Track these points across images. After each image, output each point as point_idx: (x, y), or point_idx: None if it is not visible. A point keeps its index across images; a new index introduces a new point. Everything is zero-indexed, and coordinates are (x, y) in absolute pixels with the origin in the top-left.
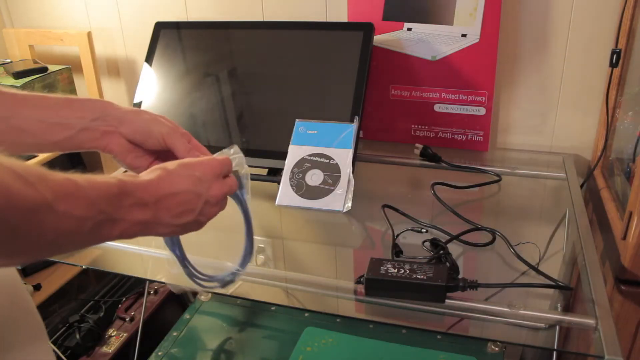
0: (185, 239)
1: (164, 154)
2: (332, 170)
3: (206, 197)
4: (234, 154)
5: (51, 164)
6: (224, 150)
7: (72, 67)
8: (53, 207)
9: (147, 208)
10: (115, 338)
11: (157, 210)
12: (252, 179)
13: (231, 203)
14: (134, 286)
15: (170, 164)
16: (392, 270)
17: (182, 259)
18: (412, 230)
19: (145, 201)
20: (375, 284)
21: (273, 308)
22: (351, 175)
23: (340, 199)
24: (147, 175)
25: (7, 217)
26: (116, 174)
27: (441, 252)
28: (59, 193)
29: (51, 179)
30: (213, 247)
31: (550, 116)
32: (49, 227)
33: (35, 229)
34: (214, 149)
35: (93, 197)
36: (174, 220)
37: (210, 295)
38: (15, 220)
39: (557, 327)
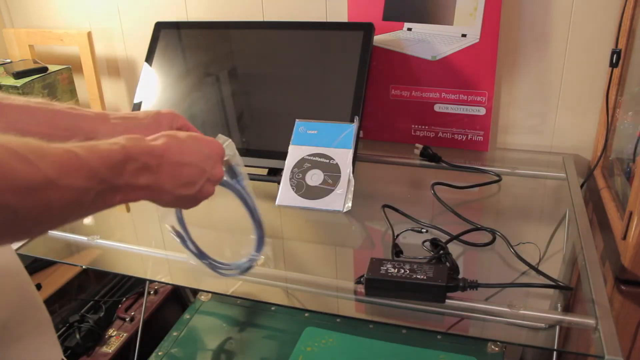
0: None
1: None
2: (332, 170)
3: (209, 175)
4: (225, 143)
5: None
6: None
7: (72, 67)
8: (56, 182)
9: (150, 172)
10: (116, 338)
11: (160, 175)
12: (252, 179)
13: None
14: (134, 286)
15: (180, 133)
16: (392, 270)
17: (199, 253)
18: (412, 230)
19: (149, 165)
20: (375, 284)
21: (273, 308)
22: (351, 175)
23: (340, 199)
24: (154, 140)
25: (9, 199)
26: (120, 138)
27: (441, 252)
28: (61, 167)
29: (51, 154)
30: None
31: (550, 116)
32: (54, 203)
33: (40, 208)
34: None
35: (95, 167)
36: (176, 190)
37: (210, 295)
38: (18, 201)
39: (557, 327)
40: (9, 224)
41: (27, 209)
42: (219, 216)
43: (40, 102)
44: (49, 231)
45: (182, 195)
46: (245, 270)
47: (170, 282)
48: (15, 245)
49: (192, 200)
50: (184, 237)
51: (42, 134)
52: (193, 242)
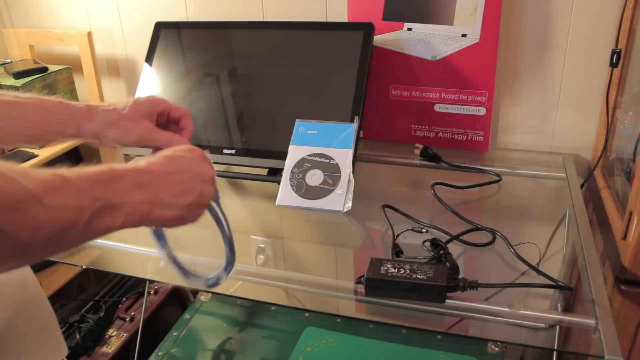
0: (186, 239)
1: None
2: (332, 170)
3: (201, 176)
4: None
5: (51, 164)
6: None
7: (72, 67)
8: (42, 200)
9: (145, 188)
10: (116, 338)
11: (157, 189)
12: (252, 179)
13: (233, 209)
14: (134, 286)
15: (154, 156)
16: (392, 270)
17: (170, 256)
18: (412, 230)
19: (141, 182)
20: (375, 284)
21: (273, 308)
22: (351, 175)
23: (340, 199)
24: (136, 163)
25: None
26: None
27: (441, 252)
28: (46, 187)
29: (35, 175)
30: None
31: (550, 116)
32: (42, 222)
33: (29, 227)
34: (214, 149)
35: (83, 187)
36: (178, 200)
37: (210, 295)
38: (2, 219)
39: (557, 327)
40: None
41: (14, 227)
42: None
43: (29, 97)
44: (49, 257)
45: (185, 204)
46: (211, 285)
47: (170, 282)
48: None
49: (201, 208)
50: (163, 237)
51: (33, 129)
52: (166, 242)
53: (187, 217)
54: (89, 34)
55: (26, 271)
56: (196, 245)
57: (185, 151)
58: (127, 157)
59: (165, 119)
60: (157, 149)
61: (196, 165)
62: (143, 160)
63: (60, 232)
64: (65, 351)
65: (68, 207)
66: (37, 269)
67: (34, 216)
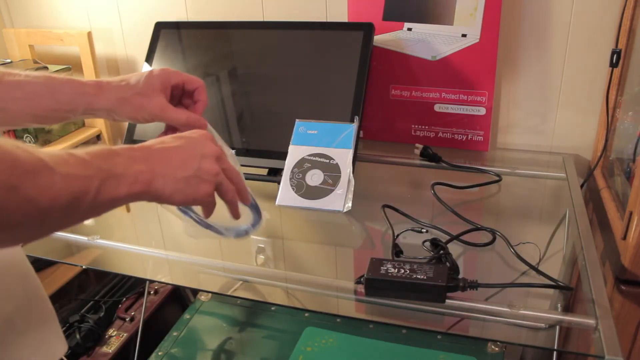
0: (186, 239)
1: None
2: (332, 170)
3: (201, 152)
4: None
5: None
6: None
7: (72, 67)
8: (54, 169)
9: (142, 161)
10: (116, 338)
11: (153, 162)
12: (252, 179)
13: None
14: (134, 286)
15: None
16: (392, 270)
17: (198, 220)
18: (412, 230)
19: (136, 156)
20: (375, 284)
21: (273, 308)
22: (351, 175)
23: (340, 199)
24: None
25: (17, 182)
26: None
27: (441, 252)
28: (57, 159)
29: (44, 150)
30: (214, 247)
31: (550, 116)
32: (59, 189)
33: (47, 192)
34: None
35: (87, 159)
36: (175, 173)
37: (210, 295)
38: (25, 184)
39: (557, 327)
40: (21, 209)
41: (36, 191)
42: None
43: (38, 75)
44: (65, 229)
45: (182, 177)
46: (241, 234)
47: (170, 282)
48: None
49: (200, 182)
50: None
51: (43, 109)
52: (192, 209)
53: (187, 192)
54: (89, 34)
55: (27, 268)
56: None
57: (188, 133)
58: None
59: (180, 92)
60: (170, 128)
61: (195, 142)
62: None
63: (75, 199)
64: (65, 348)
65: (78, 175)
66: (37, 269)
67: (52, 182)
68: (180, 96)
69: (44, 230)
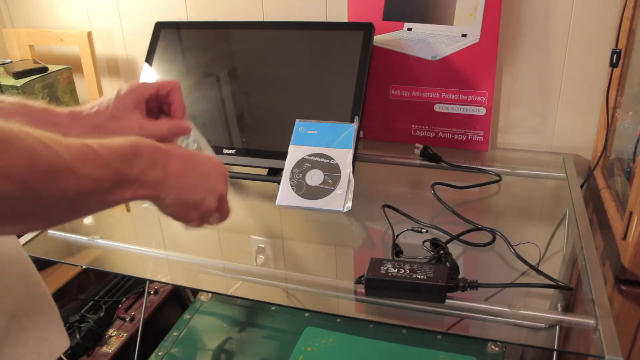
0: (186, 239)
1: None
2: (332, 170)
3: (212, 187)
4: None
5: None
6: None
7: (72, 67)
8: (73, 169)
9: (158, 168)
10: (116, 338)
11: (168, 171)
12: (252, 179)
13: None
14: (134, 286)
15: (180, 145)
16: (392, 270)
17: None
18: (412, 230)
19: (157, 161)
20: (375, 284)
21: (273, 308)
22: (351, 175)
23: (340, 199)
24: (168, 145)
25: (32, 179)
26: (131, 137)
27: (441, 252)
28: (77, 156)
29: (68, 144)
30: (214, 247)
31: (550, 116)
32: (71, 188)
33: (58, 190)
34: (214, 149)
35: (108, 159)
36: (182, 191)
37: (210, 295)
38: (39, 182)
39: (557, 327)
40: (32, 204)
41: (48, 190)
42: None
43: (13, 102)
44: (67, 221)
45: (186, 199)
46: None
47: (170, 282)
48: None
49: (194, 210)
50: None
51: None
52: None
53: (179, 212)
54: (89, 34)
55: (28, 264)
56: (194, 245)
57: (211, 161)
58: None
59: (156, 102)
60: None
61: (213, 175)
62: (170, 145)
63: (82, 198)
64: (67, 344)
65: (93, 176)
66: (37, 268)
67: (65, 182)
68: (159, 106)
69: (44, 223)
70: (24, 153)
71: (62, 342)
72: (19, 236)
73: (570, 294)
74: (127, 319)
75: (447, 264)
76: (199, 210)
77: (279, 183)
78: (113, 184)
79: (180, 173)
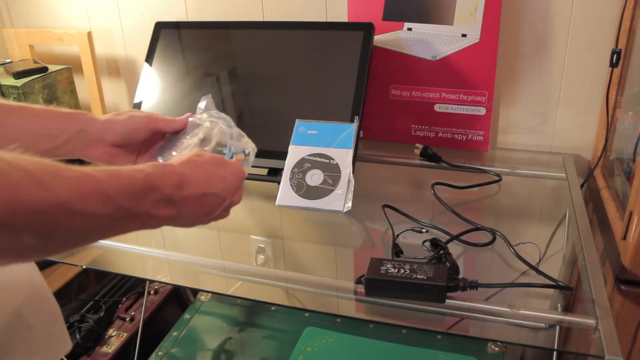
0: (186, 239)
1: (146, 147)
2: (332, 170)
3: (229, 203)
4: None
5: None
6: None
7: (72, 67)
8: (67, 206)
9: (172, 204)
10: (116, 338)
11: (182, 207)
12: (252, 179)
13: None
14: (134, 286)
15: (204, 156)
16: (392, 270)
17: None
18: (412, 230)
19: (173, 198)
20: (375, 284)
21: (273, 308)
22: (351, 175)
23: (340, 199)
24: (178, 166)
25: (11, 220)
26: (146, 165)
27: (441, 252)
28: (76, 191)
29: (67, 176)
30: (214, 247)
31: (550, 116)
32: (61, 226)
33: (45, 230)
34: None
35: (112, 194)
36: (196, 220)
37: (210, 295)
38: (21, 222)
39: (557, 327)
40: (12, 243)
41: (32, 231)
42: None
43: (21, 105)
44: (60, 253)
45: (199, 222)
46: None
47: (170, 282)
48: None
49: (207, 221)
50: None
51: (21, 140)
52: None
53: (191, 225)
54: (89, 34)
55: (32, 268)
56: (194, 246)
57: (230, 170)
58: None
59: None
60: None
61: (231, 191)
62: (190, 161)
63: (75, 235)
64: (69, 346)
65: (90, 213)
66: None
67: (55, 219)
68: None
69: (28, 258)
70: (11, 193)
71: (65, 342)
72: None
73: (570, 294)
74: (127, 319)
75: (447, 264)
76: (211, 220)
77: (279, 183)
78: (115, 219)
79: (196, 204)
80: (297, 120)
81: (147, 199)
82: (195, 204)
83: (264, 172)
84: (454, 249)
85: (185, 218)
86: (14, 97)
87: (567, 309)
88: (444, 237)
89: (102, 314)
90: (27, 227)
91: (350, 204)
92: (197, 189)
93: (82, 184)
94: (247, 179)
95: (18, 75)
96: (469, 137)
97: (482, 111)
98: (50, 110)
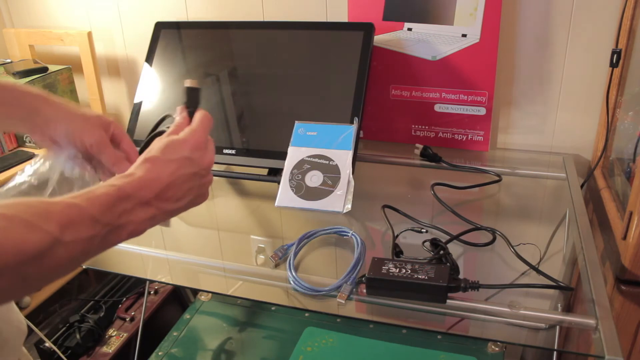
0: (186, 239)
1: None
2: (331, 172)
3: (200, 172)
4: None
5: None
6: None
7: (73, 67)
8: (61, 240)
9: (149, 205)
10: (116, 338)
11: (159, 203)
12: (252, 179)
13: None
14: (134, 286)
15: (155, 150)
16: (394, 270)
17: None
18: (412, 230)
19: (146, 199)
20: (376, 284)
21: (273, 308)
22: (351, 176)
23: (340, 200)
24: (139, 170)
25: (23, 270)
26: (111, 180)
27: (441, 252)
28: (66, 224)
29: (54, 212)
30: (214, 247)
31: (550, 116)
32: (62, 258)
33: (48, 267)
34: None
35: (95, 215)
36: (178, 204)
37: (210, 295)
38: (28, 269)
39: (558, 327)
40: (20, 287)
41: (39, 273)
42: (217, 219)
43: None
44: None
45: (186, 203)
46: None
47: (170, 282)
48: None
49: (200, 198)
50: None
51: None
52: None
53: (186, 209)
54: (89, 34)
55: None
56: (193, 246)
57: (185, 145)
58: None
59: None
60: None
61: (196, 163)
62: (145, 163)
63: (75, 261)
64: None
65: (83, 239)
66: None
67: (55, 256)
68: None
69: (30, 292)
70: (14, 246)
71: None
72: None
73: (570, 294)
74: (127, 319)
75: (447, 263)
76: (202, 194)
77: (279, 183)
78: (104, 237)
79: (170, 194)
80: (296, 121)
81: (125, 207)
82: (168, 195)
83: (264, 172)
84: (454, 249)
85: (168, 209)
86: None
87: (568, 309)
88: (444, 237)
89: (102, 314)
90: (32, 272)
91: (349, 205)
92: (161, 182)
93: (68, 215)
94: (248, 178)
95: (18, 75)
96: (469, 137)
97: (482, 111)
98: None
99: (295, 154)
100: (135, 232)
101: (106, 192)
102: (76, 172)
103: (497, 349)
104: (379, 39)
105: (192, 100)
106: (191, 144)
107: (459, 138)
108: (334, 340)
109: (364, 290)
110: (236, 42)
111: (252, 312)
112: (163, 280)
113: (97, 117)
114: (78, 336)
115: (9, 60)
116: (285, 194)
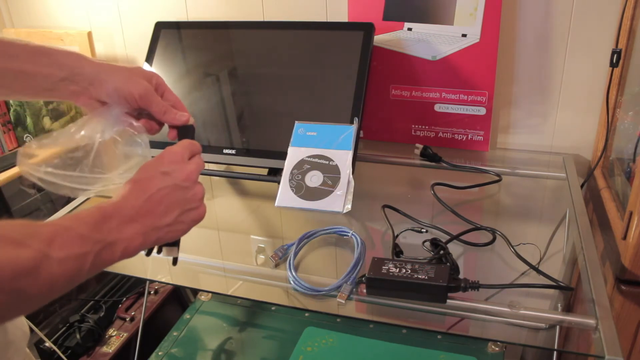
0: (186, 239)
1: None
2: (331, 172)
3: (181, 184)
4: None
5: None
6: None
7: None
8: (50, 255)
9: (134, 221)
10: (116, 338)
11: (143, 218)
12: (252, 179)
13: (233, 209)
14: (134, 286)
15: (134, 175)
16: (394, 270)
17: None
18: (412, 230)
19: (129, 216)
20: (376, 284)
21: (273, 308)
22: (351, 176)
23: (340, 200)
24: (119, 192)
25: (18, 286)
26: (94, 204)
27: (441, 252)
28: (53, 241)
29: (41, 232)
30: (214, 247)
31: (550, 116)
32: (56, 275)
33: (45, 284)
34: (214, 149)
35: (83, 233)
36: (165, 219)
37: (210, 295)
38: (22, 284)
39: (558, 327)
40: (14, 303)
41: (36, 289)
42: (217, 218)
43: (18, 39)
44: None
45: (177, 215)
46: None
47: (170, 282)
48: None
49: (194, 212)
50: None
51: (24, 71)
52: None
53: (186, 228)
54: (89, 34)
55: None
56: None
57: (161, 161)
58: None
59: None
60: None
61: (172, 176)
62: (126, 184)
63: (71, 279)
64: None
65: (75, 255)
66: None
67: (49, 272)
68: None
69: (34, 309)
70: (5, 262)
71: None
72: None
73: (570, 294)
74: (127, 319)
75: (448, 263)
76: (192, 207)
77: (279, 183)
78: (97, 253)
79: (151, 208)
80: (296, 122)
81: (111, 226)
82: (149, 209)
83: (264, 172)
84: (454, 249)
85: (157, 224)
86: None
87: (568, 309)
88: (444, 237)
89: (102, 314)
90: (30, 286)
91: (349, 206)
92: (140, 199)
93: (54, 232)
94: (248, 178)
95: None
96: (469, 137)
97: (482, 111)
98: (39, 50)
99: (295, 154)
100: (128, 249)
101: (90, 213)
102: (123, 130)
103: (497, 349)
104: (379, 38)
105: (184, 136)
106: (166, 159)
107: (459, 138)
108: (334, 340)
109: (364, 290)
110: (236, 42)
111: (252, 312)
112: (163, 280)
113: (139, 69)
114: (78, 336)
115: None
116: (285, 194)
